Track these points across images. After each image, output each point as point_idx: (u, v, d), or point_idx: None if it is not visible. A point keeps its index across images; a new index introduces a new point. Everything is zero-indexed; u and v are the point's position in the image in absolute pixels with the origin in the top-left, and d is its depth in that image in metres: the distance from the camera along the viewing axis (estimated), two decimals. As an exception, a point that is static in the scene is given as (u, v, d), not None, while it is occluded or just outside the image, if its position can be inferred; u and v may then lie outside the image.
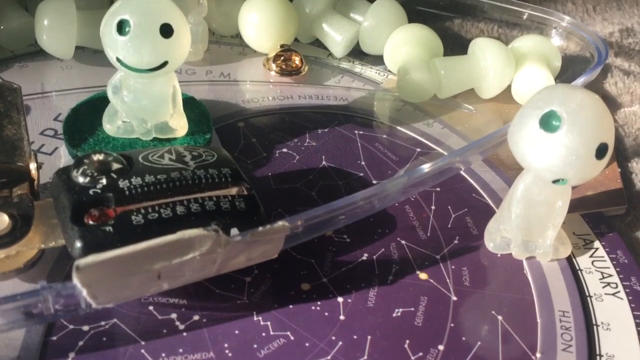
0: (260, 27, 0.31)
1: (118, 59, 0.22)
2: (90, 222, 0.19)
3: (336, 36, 0.32)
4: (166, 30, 0.22)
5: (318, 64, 0.32)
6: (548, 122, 0.20)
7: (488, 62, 0.29)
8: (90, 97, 0.26)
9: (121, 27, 0.22)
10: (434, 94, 0.30)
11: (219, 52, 0.32)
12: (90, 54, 0.30)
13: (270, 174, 0.26)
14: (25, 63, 0.29)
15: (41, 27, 0.28)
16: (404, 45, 0.30)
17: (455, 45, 0.34)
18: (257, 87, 0.30)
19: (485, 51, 0.29)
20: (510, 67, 0.30)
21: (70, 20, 0.28)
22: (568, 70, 0.32)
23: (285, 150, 0.27)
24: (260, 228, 0.18)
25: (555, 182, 0.20)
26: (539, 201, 0.21)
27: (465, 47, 0.31)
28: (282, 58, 0.31)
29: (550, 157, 0.20)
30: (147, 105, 0.24)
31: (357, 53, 0.33)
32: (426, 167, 0.21)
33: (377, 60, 0.33)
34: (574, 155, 0.19)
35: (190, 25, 0.30)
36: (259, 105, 0.29)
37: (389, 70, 0.32)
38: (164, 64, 0.22)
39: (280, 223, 0.18)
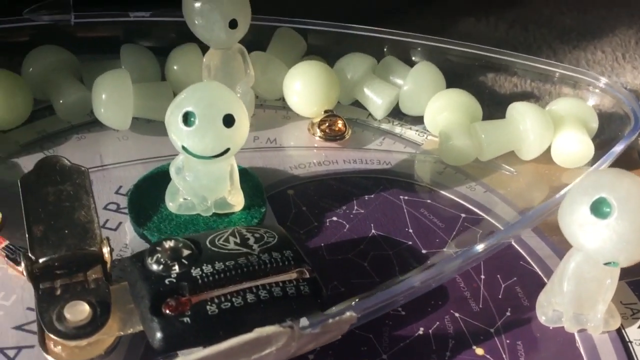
0: (304, 93, 0.32)
1: (184, 147, 0.23)
2: (168, 312, 0.20)
3: (377, 99, 0.33)
4: (228, 120, 0.23)
5: (359, 126, 0.34)
6: (599, 208, 0.21)
7: (527, 126, 0.30)
8: (151, 172, 0.28)
9: (187, 118, 0.23)
10: (475, 157, 0.31)
11: (264, 116, 0.34)
12: (144, 123, 0.31)
13: (322, 244, 0.27)
14: (83, 134, 0.31)
15: (99, 101, 0.29)
16: (445, 110, 0.31)
17: (490, 101, 0.35)
18: (303, 152, 0.32)
19: (524, 115, 0.30)
20: (549, 131, 0.31)
21: (127, 94, 0.29)
22: (605, 130, 0.33)
23: (335, 218, 0.28)
24: (331, 320, 0.19)
25: (606, 264, 0.21)
26: (589, 278, 0.22)
27: (500, 101, 0.32)
28: (326, 123, 0.32)
29: (602, 242, 0.21)
30: (207, 184, 0.25)
31: (396, 112, 0.34)
32: (480, 247, 0.22)
33: (416, 119, 0.34)
34: (625, 241, 0.20)
35: (239, 94, 0.31)
36: (306, 172, 0.30)
37: (428, 130, 0.33)
38: (226, 150, 0.23)
39: (348, 314, 0.19)
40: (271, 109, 0.34)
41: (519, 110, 0.31)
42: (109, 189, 0.28)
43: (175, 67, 0.32)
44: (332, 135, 0.32)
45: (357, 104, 0.35)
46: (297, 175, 0.30)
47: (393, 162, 0.32)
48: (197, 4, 0.29)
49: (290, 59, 0.34)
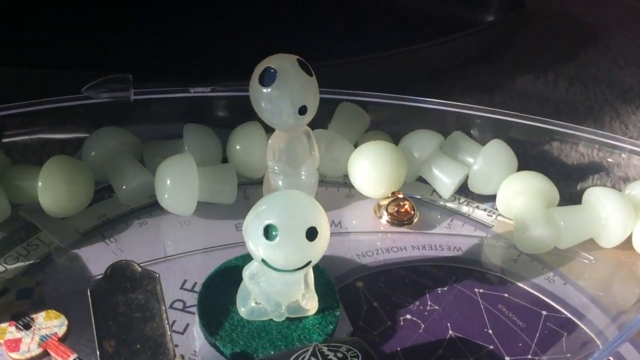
0: (371, 175, 0.31)
1: (263, 260, 0.22)
2: None
3: (446, 179, 0.32)
4: (312, 234, 0.22)
5: (424, 205, 0.32)
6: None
7: (608, 213, 0.29)
8: (219, 268, 0.26)
9: (268, 231, 0.22)
10: (554, 246, 0.29)
11: (327, 195, 0.32)
12: (206, 206, 0.30)
13: (398, 348, 0.25)
14: (144, 219, 0.30)
15: (163, 187, 0.28)
16: (520, 195, 0.30)
17: (558, 173, 0.34)
18: (370, 237, 0.30)
19: (604, 202, 0.29)
20: (631, 217, 0.29)
21: (193, 180, 0.28)
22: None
23: (409, 316, 0.27)
24: None
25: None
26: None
27: (567, 173, 0.31)
28: (394, 206, 0.31)
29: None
30: (282, 289, 0.24)
31: (461, 189, 0.33)
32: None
33: (483, 196, 0.33)
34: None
35: (304, 177, 0.30)
36: (375, 260, 0.29)
37: (497, 209, 0.32)
38: (308, 263, 0.22)
39: None
40: (333, 186, 0.33)
41: (598, 197, 0.29)
42: (174, 284, 0.27)
43: (237, 147, 0.31)
44: (400, 220, 0.31)
45: (420, 179, 0.33)
46: (365, 264, 0.29)
47: (464, 248, 0.30)
48: (266, 90, 0.28)
49: (354, 135, 0.33)
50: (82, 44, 0.35)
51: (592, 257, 0.30)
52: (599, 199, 0.29)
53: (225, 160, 0.32)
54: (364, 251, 0.30)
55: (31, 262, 0.27)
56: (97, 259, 0.28)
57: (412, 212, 0.31)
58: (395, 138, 0.34)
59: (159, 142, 0.31)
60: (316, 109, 0.29)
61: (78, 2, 0.39)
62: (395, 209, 0.31)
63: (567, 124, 0.34)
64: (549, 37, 0.50)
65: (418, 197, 0.33)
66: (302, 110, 0.28)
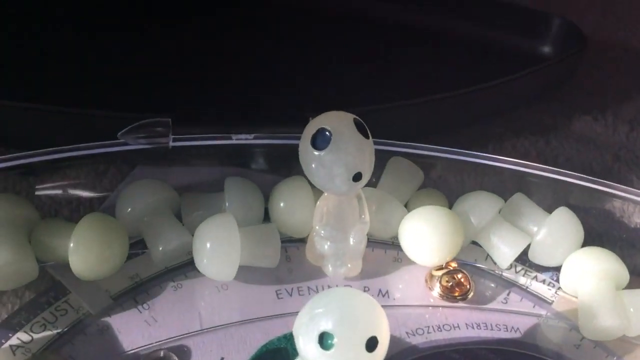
0: (424, 242, 0.28)
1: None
2: None
3: (505, 249, 0.29)
4: (372, 345, 0.19)
5: (478, 273, 0.30)
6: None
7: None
8: (258, 352, 0.24)
9: (323, 339, 0.19)
10: (622, 334, 0.27)
11: (373, 258, 0.30)
12: (245, 268, 0.28)
13: None
14: (179, 282, 0.28)
15: (202, 251, 0.26)
16: (587, 274, 0.28)
17: (622, 240, 0.31)
18: (420, 311, 0.28)
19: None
20: None
21: (234, 245, 0.26)
22: None
23: (463, 411, 0.25)
24: None
25: None
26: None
27: (631, 239, 0.29)
28: (447, 280, 0.28)
29: None
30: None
31: (519, 255, 0.30)
32: None
33: (543, 266, 0.30)
34: None
35: (352, 242, 0.28)
36: (426, 340, 0.27)
37: (556, 280, 0.29)
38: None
39: None
40: (380, 247, 0.30)
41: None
42: (210, 362, 0.25)
43: (281, 205, 0.29)
44: (454, 295, 0.28)
45: (474, 242, 0.31)
46: (415, 345, 0.27)
47: (522, 329, 0.28)
48: (319, 153, 0.25)
49: (406, 194, 0.31)
50: (117, 82, 0.33)
51: (663, 347, 0.28)
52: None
53: (266, 215, 0.30)
54: (414, 328, 0.27)
55: (59, 330, 0.25)
56: (129, 329, 0.26)
57: (468, 287, 0.28)
58: (450, 197, 0.31)
59: (198, 196, 0.29)
60: (371, 174, 0.27)
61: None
62: (450, 283, 0.28)
63: (630, 188, 0.31)
64: (608, 73, 0.47)
65: (472, 263, 0.30)
66: (357, 177, 0.26)
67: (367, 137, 0.26)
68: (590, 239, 0.31)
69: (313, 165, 0.26)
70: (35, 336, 0.25)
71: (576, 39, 0.42)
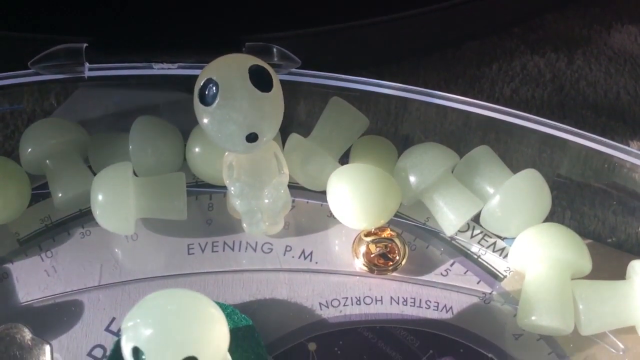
0: (349, 203, 0.24)
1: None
2: None
3: (451, 215, 0.25)
4: (190, 365, 0.17)
5: (423, 236, 0.26)
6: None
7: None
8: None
9: (136, 353, 0.17)
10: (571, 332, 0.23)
11: (305, 209, 0.26)
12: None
13: None
14: (89, 228, 0.26)
15: (95, 203, 0.24)
16: (536, 257, 0.23)
17: (615, 212, 0.26)
18: (341, 279, 0.25)
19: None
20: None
21: (126, 196, 0.24)
22: None
23: (358, 401, 0.22)
24: None
25: None
26: None
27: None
28: (374, 247, 0.25)
29: None
30: None
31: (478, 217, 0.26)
32: None
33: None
34: None
35: (267, 201, 0.24)
36: (338, 314, 0.24)
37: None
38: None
39: None
40: (317, 199, 0.27)
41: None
42: (100, 323, 0.24)
43: (196, 150, 0.25)
44: (381, 267, 0.25)
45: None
46: (324, 318, 0.24)
47: (456, 308, 0.24)
48: (207, 108, 0.22)
49: (344, 141, 0.26)
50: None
51: (621, 345, 0.23)
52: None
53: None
54: (329, 299, 0.24)
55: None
56: (28, 279, 0.25)
57: (397, 258, 0.25)
58: (401, 145, 0.27)
59: (108, 137, 0.26)
60: (275, 132, 0.23)
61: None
62: (377, 251, 0.24)
63: (633, 150, 0.25)
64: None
65: (420, 224, 0.26)
66: (252, 138, 0.22)
67: (267, 89, 0.22)
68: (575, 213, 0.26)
69: (205, 121, 0.22)
70: None
71: None
